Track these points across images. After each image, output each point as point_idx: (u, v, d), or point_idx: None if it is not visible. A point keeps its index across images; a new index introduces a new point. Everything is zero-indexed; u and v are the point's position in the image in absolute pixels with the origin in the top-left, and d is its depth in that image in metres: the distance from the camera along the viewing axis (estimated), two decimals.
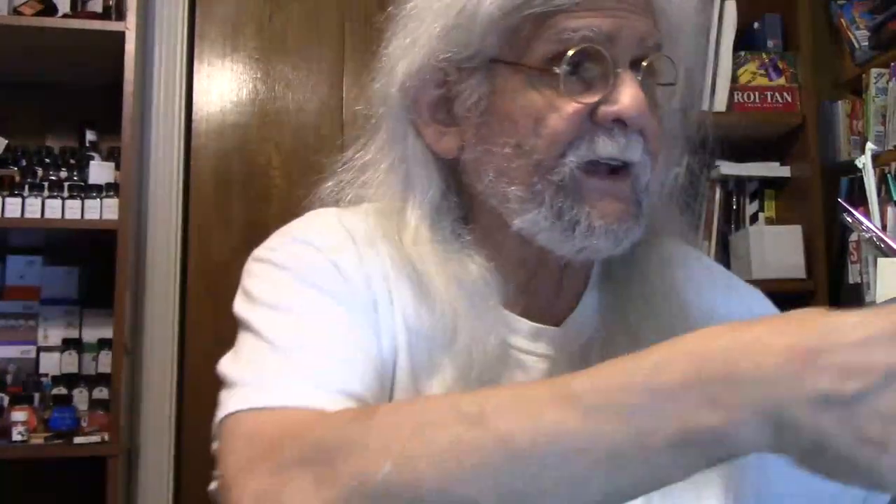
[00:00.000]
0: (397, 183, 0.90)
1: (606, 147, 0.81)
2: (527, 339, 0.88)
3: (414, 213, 0.88)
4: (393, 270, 0.86)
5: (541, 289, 0.89)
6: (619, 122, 0.81)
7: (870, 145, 2.15)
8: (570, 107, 0.81)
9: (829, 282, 2.68)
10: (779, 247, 2.67)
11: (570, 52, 0.80)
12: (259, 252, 0.88)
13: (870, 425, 0.51)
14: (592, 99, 0.81)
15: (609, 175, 0.82)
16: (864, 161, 1.99)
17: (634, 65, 0.82)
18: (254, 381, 0.76)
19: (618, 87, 0.81)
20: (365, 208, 0.91)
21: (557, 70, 0.80)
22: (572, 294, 0.91)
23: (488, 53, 0.83)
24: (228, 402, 0.74)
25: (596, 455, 0.56)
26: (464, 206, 0.90)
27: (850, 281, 2.61)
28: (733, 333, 0.56)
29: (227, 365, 0.79)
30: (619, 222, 0.82)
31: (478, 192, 0.87)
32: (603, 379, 0.58)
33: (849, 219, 1.92)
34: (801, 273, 2.64)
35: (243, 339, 0.81)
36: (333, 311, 0.81)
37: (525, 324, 0.88)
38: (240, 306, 0.84)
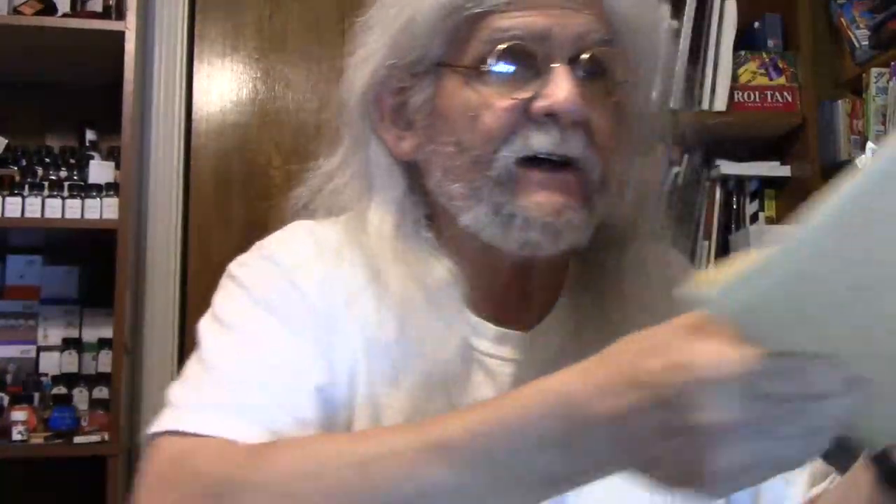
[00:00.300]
0: (362, 188, 0.91)
1: (540, 141, 0.82)
2: (491, 342, 0.88)
3: (376, 217, 0.89)
4: (363, 278, 0.86)
5: (506, 293, 0.89)
6: (554, 116, 0.82)
7: (870, 145, 2.14)
8: (503, 103, 0.83)
9: None
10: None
11: (498, 49, 0.83)
12: (231, 266, 0.90)
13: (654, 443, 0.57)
14: (525, 94, 0.83)
15: (549, 170, 0.83)
16: (865, 160, 1.99)
17: (574, 60, 0.83)
18: (182, 403, 0.78)
19: (550, 81, 0.82)
20: (342, 218, 0.92)
21: (485, 68, 0.83)
22: (544, 300, 0.91)
23: (433, 57, 0.86)
24: (158, 421, 0.77)
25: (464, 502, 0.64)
26: (428, 208, 0.91)
27: None
28: (585, 372, 0.61)
29: (175, 381, 0.82)
30: (557, 215, 0.82)
31: (431, 192, 0.89)
32: (474, 423, 0.63)
33: None
34: None
35: (193, 356, 0.84)
36: (278, 335, 0.82)
37: (490, 327, 0.88)
38: (202, 320, 0.87)
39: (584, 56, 0.83)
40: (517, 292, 0.89)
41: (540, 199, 0.82)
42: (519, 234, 0.82)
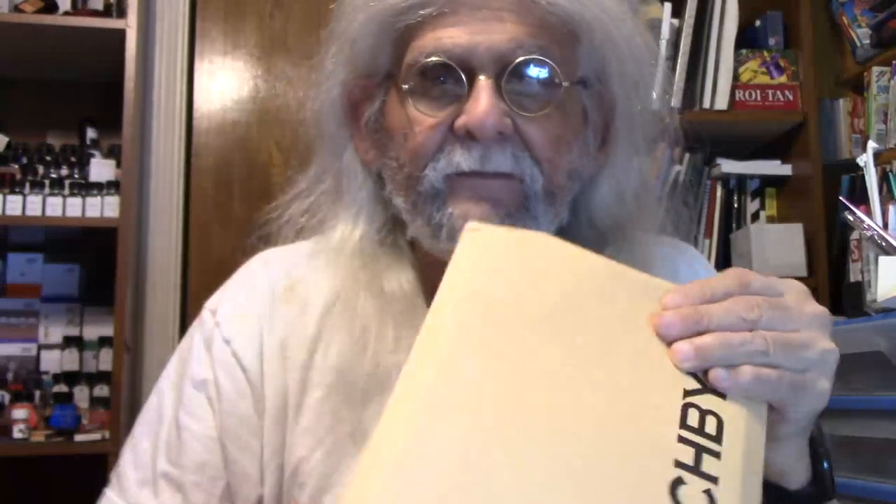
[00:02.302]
0: (335, 200, 0.93)
1: (465, 159, 0.81)
2: None
3: (345, 229, 0.91)
4: (334, 303, 0.89)
5: None
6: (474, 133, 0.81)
7: (871, 143, 2.14)
8: (428, 121, 0.83)
9: (831, 280, 2.68)
10: (780, 245, 2.66)
11: (420, 69, 0.83)
12: (205, 307, 0.97)
13: None
14: (448, 113, 0.83)
15: (478, 178, 0.82)
16: (866, 159, 1.99)
17: (501, 73, 0.81)
18: (121, 472, 0.93)
19: (470, 98, 0.81)
20: (313, 239, 0.95)
21: (407, 88, 0.84)
22: None
23: (383, 69, 0.88)
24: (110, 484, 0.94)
25: None
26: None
27: (852, 279, 2.61)
28: None
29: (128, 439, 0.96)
30: (485, 223, 0.80)
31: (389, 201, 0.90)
32: None
33: (850, 217, 1.92)
34: (802, 271, 2.64)
35: (145, 408, 0.96)
36: (184, 408, 0.91)
37: None
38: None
39: (511, 67, 0.81)
40: None
41: (470, 208, 0.82)
42: (447, 244, 0.81)
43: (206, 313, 0.95)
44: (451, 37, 0.82)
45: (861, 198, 2.21)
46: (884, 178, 2.47)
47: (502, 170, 0.81)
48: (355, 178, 0.92)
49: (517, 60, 0.81)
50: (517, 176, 0.82)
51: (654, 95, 0.93)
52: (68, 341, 2.66)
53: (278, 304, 0.91)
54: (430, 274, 0.88)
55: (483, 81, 0.81)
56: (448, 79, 0.82)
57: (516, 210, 0.82)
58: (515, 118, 0.82)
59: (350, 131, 0.92)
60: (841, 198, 2.25)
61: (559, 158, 0.84)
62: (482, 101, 0.80)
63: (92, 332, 2.68)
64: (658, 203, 0.97)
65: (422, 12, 0.82)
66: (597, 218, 0.91)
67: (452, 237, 0.80)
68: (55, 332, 2.69)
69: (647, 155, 0.95)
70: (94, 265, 2.71)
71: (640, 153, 0.92)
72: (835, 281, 2.70)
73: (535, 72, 0.83)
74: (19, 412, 2.40)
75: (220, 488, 0.89)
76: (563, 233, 0.88)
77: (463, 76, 0.81)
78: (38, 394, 2.54)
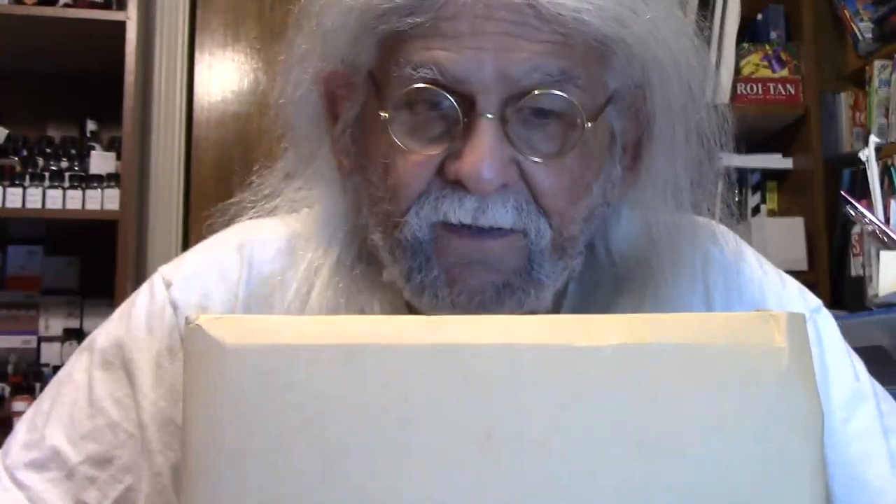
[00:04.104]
0: (308, 200, 0.81)
1: (454, 210, 0.66)
2: None
3: (317, 255, 0.77)
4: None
5: None
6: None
7: (873, 138, 2.14)
8: (412, 157, 0.67)
9: (831, 275, 2.67)
10: (781, 239, 2.66)
11: (407, 92, 0.66)
12: (156, 273, 0.82)
13: None
14: (435, 151, 0.67)
15: (472, 234, 0.67)
16: (868, 153, 1.98)
17: (509, 104, 0.65)
18: (12, 441, 0.78)
19: (467, 138, 0.65)
20: (291, 228, 0.81)
21: (384, 114, 0.67)
22: None
23: (364, 68, 0.71)
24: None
25: None
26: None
27: (853, 274, 2.61)
28: None
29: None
30: (473, 297, 0.67)
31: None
32: None
33: (852, 211, 1.91)
34: (802, 265, 2.63)
35: (56, 377, 0.81)
36: (109, 395, 0.77)
37: None
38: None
39: (522, 99, 0.65)
40: None
41: (458, 276, 0.67)
42: (430, 309, 0.68)
43: (158, 283, 0.80)
44: (447, 50, 0.64)
45: (862, 192, 2.21)
46: (885, 173, 2.46)
47: (501, 224, 0.66)
48: (329, 191, 0.77)
49: (532, 92, 0.65)
50: (519, 231, 0.67)
51: (704, 94, 0.75)
52: (68, 334, 2.66)
53: (252, 302, 0.77)
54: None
55: (484, 117, 0.64)
56: (441, 105, 0.66)
57: (517, 275, 0.67)
58: (522, 162, 0.66)
59: (327, 132, 0.76)
60: (842, 192, 2.25)
61: (574, 208, 0.68)
62: (481, 144, 0.64)
63: (92, 324, 2.65)
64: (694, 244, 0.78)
65: (409, 21, 0.66)
66: (616, 253, 0.76)
67: (438, 305, 0.68)
68: (55, 324, 2.69)
69: (693, 173, 0.75)
70: (95, 258, 2.70)
71: (682, 172, 0.74)
72: (835, 275, 2.69)
73: (554, 106, 0.66)
74: (20, 405, 2.40)
75: (119, 491, 0.75)
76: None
77: (458, 107, 0.65)
78: (38, 386, 2.52)
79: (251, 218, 0.83)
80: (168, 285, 0.79)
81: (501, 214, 0.66)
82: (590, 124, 0.67)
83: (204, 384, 0.50)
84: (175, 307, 0.78)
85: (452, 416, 0.48)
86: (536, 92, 0.65)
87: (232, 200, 0.83)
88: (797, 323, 0.51)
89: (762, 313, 0.51)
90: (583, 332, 0.50)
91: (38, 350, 2.66)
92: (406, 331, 0.51)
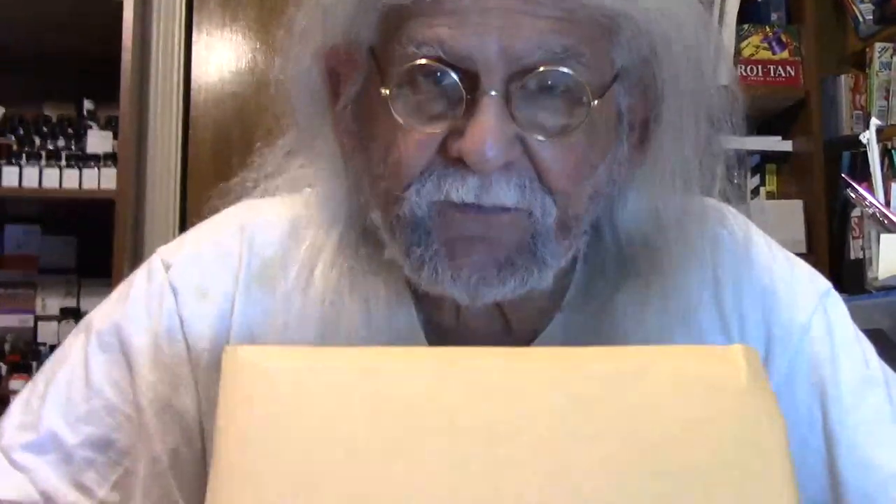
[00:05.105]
0: (310, 179, 0.79)
1: (456, 188, 0.65)
2: None
3: (318, 235, 0.76)
4: (302, 305, 0.75)
5: (477, 325, 0.74)
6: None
7: (874, 120, 2.13)
8: (414, 135, 0.66)
9: (830, 258, 2.67)
10: (780, 222, 2.66)
11: (409, 68, 0.65)
12: (155, 255, 0.80)
13: None
14: (438, 129, 0.65)
15: (474, 212, 0.66)
16: (868, 136, 1.98)
17: (514, 80, 0.64)
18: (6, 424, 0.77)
19: (470, 116, 0.63)
20: (294, 204, 0.80)
21: (385, 91, 0.66)
22: (538, 319, 0.75)
23: (365, 44, 0.70)
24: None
25: None
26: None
27: (852, 257, 2.61)
28: None
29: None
30: (474, 272, 0.66)
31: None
32: None
33: (852, 194, 1.91)
34: (801, 248, 2.63)
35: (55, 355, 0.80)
36: (105, 376, 0.76)
37: None
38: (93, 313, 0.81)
39: (527, 77, 0.64)
40: (489, 323, 0.74)
41: (458, 252, 0.66)
42: (430, 285, 0.68)
43: (156, 264, 0.79)
44: (450, 27, 0.63)
45: (862, 175, 2.21)
46: (886, 155, 2.46)
47: (504, 203, 0.65)
48: (331, 170, 0.75)
49: (536, 69, 0.64)
50: (524, 209, 0.65)
51: (715, 73, 0.74)
52: (65, 313, 2.66)
53: (254, 285, 0.76)
54: (426, 305, 0.74)
55: (488, 95, 0.63)
56: (444, 82, 0.65)
57: (520, 253, 0.66)
58: (527, 140, 0.65)
59: (328, 110, 0.74)
60: (843, 174, 2.25)
61: (579, 187, 0.67)
62: (485, 122, 0.63)
63: (90, 303, 2.67)
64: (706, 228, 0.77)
65: None
66: (623, 235, 0.74)
67: (437, 280, 0.67)
68: (52, 303, 2.69)
69: (702, 155, 0.74)
70: (92, 237, 2.69)
71: (691, 153, 0.72)
72: (834, 258, 2.69)
73: (559, 83, 0.65)
74: (17, 383, 2.40)
75: (118, 474, 0.75)
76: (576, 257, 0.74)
77: (461, 84, 0.64)
78: (35, 365, 2.52)
79: (252, 198, 0.81)
80: (167, 267, 0.78)
81: (505, 193, 0.65)
82: (596, 102, 0.65)
83: (236, 403, 0.54)
84: (174, 289, 0.77)
85: (462, 420, 0.53)
86: (541, 69, 0.64)
87: (233, 180, 0.82)
88: (751, 354, 0.57)
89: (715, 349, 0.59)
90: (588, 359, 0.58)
91: (34, 329, 2.67)
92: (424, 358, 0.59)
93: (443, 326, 0.74)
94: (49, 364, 0.79)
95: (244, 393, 0.54)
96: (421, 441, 0.52)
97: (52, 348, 2.60)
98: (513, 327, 0.74)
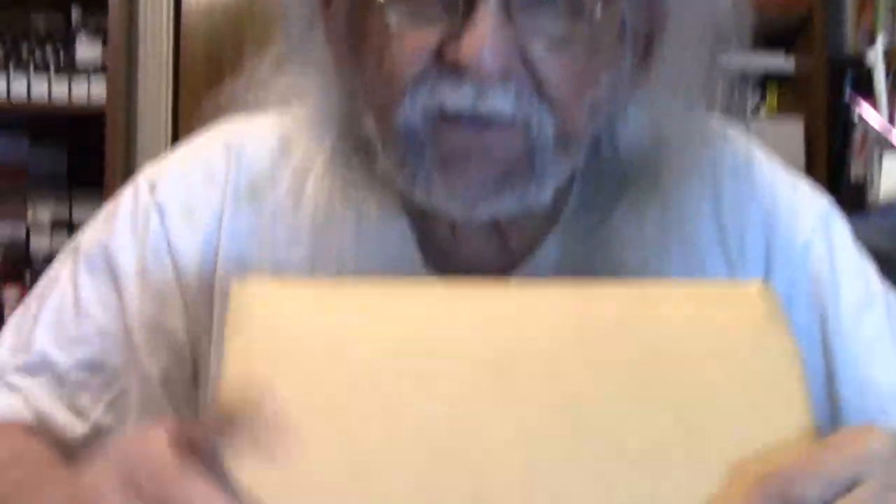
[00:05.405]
0: (301, 89, 0.76)
1: (451, 97, 0.62)
2: None
3: (309, 147, 0.75)
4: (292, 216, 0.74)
5: (472, 243, 0.72)
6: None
7: (881, 39, 2.10)
8: (408, 41, 0.63)
9: (829, 178, 2.66)
10: (779, 140, 2.63)
11: None
12: (140, 175, 0.79)
13: None
14: (433, 33, 0.62)
15: (471, 124, 0.63)
16: (874, 55, 1.95)
17: None
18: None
19: (468, 19, 0.61)
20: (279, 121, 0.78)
21: None
22: (535, 237, 0.74)
23: None
24: None
25: None
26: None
27: (852, 177, 2.60)
28: None
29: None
30: (468, 188, 0.64)
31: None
32: None
33: (857, 112, 1.89)
34: (800, 166, 2.62)
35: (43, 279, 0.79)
36: (100, 297, 0.75)
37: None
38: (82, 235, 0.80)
39: None
40: (485, 239, 0.72)
41: (453, 167, 0.64)
42: (424, 199, 0.66)
43: (142, 184, 0.77)
44: None
45: (865, 95, 2.18)
46: (890, 75, 2.44)
47: (501, 111, 0.62)
48: (322, 79, 0.72)
49: None
50: (521, 121, 0.63)
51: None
52: (57, 224, 2.65)
53: (241, 203, 0.75)
54: (420, 221, 0.72)
55: None
56: None
57: (517, 169, 0.64)
58: (527, 47, 0.62)
59: (319, 15, 0.71)
60: (849, 90, 2.22)
61: (579, 100, 0.65)
62: (483, 26, 0.60)
63: (81, 214, 2.66)
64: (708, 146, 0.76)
65: None
66: (623, 153, 0.72)
67: (432, 195, 0.65)
68: (44, 214, 2.68)
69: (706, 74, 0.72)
70: (82, 147, 2.67)
71: (695, 70, 0.71)
72: (834, 178, 2.69)
73: None
74: (10, 292, 2.41)
75: (111, 395, 0.74)
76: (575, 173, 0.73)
77: None
78: (28, 273, 2.54)
79: (243, 110, 0.79)
80: (152, 187, 0.77)
81: (502, 101, 0.62)
82: (599, 12, 0.63)
83: (245, 337, 0.53)
84: (160, 209, 0.76)
85: (470, 348, 0.53)
86: None
87: (223, 91, 0.78)
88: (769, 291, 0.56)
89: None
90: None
91: (27, 240, 2.66)
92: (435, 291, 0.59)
93: (437, 244, 0.73)
94: (39, 287, 0.79)
95: (253, 327, 0.53)
96: (430, 370, 0.52)
97: (45, 259, 2.63)
98: (509, 245, 0.72)
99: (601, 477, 0.49)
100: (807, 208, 0.80)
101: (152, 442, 0.47)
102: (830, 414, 0.76)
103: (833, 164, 2.71)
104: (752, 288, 0.56)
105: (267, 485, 0.47)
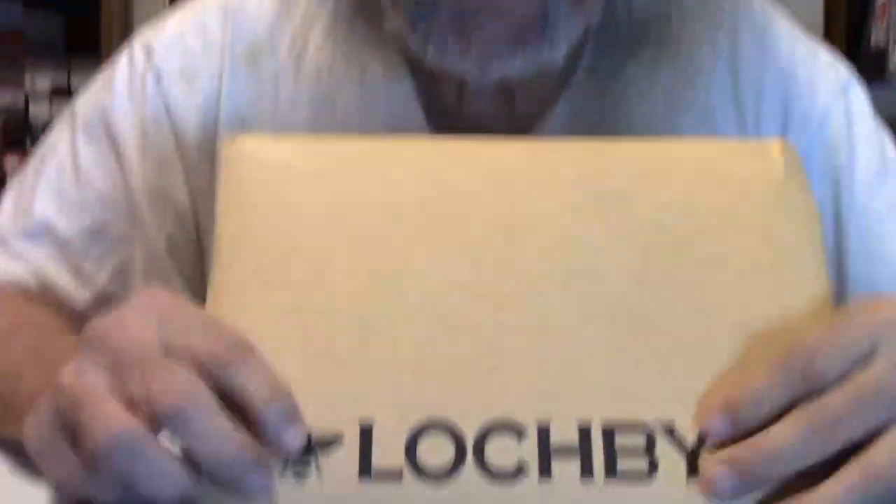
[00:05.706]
0: None
1: None
2: None
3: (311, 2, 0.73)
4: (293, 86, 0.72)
5: (479, 106, 0.71)
6: None
7: None
8: None
9: (848, 44, 2.61)
10: (796, 4, 2.58)
11: None
12: (136, 40, 0.77)
13: None
14: None
15: None
16: None
17: None
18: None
19: None
20: None
21: None
22: (543, 101, 0.72)
23: None
24: None
25: None
26: None
27: (872, 43, 2.55)
28: None
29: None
30: (484, 46, 0.62)
31: None
32: None
33: None
34: (818, 32, 2.57)
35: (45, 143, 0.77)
36: (103, 162, 0.74)
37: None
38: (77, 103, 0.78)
39: None
40: (494, 104, 0.71)
41: (466, 26, 0.61)
42: (437, 59, 0.63)
43: (138, 49, 0.76)
44: None
45: None
46: None
47: None
48: None
49: None
50: None
51: None
52: (56, 91, 2.63)
53: (241, 66, 0.73)
54: (425, 83, 0.70)
55: None
56: None
57: (530, 27, 0.62)
58: None
59: None
60: None
61: None
62: None
63: (81, 82, 2.62)
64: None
65: None
66: (637, 14, 0.71)
67: (445, 55, 0.63)
68: (42, 81, 2.65)
69: None
70: (79, 12, 2.62)
71: None
72: (852, 44, 2.64)
73: None
74: (11, 159, 2.42)
75: (116, 261, 0.73)
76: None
77: None
78: (28, 140, 2.54)
79: None
80: (149, 51, 0.75)
81: None
82: None
83: (238, 195, 0.51)
84: (157, 73, 0.74)
85: (478, 208, 0.50)
86: None
87: None
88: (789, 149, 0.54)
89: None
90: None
91: (26, 108, 2.64)
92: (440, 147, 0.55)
93: (443, 107, 0.71)
94: (38, 155, 0.77)
95: (247, 185, 0.51)
96: (434, 228, 0.50)
97: (45, 127, 2.61)
98: (516, 109, 0.71)
99: (612, 348, 0.47)
100: (827, 76, 0.79)
101: (137, 328, 0.44)
102: (839, 288, 0.75)
103: (852, 28, 2.66)
104: (773, 144, 0.53)
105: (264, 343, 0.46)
